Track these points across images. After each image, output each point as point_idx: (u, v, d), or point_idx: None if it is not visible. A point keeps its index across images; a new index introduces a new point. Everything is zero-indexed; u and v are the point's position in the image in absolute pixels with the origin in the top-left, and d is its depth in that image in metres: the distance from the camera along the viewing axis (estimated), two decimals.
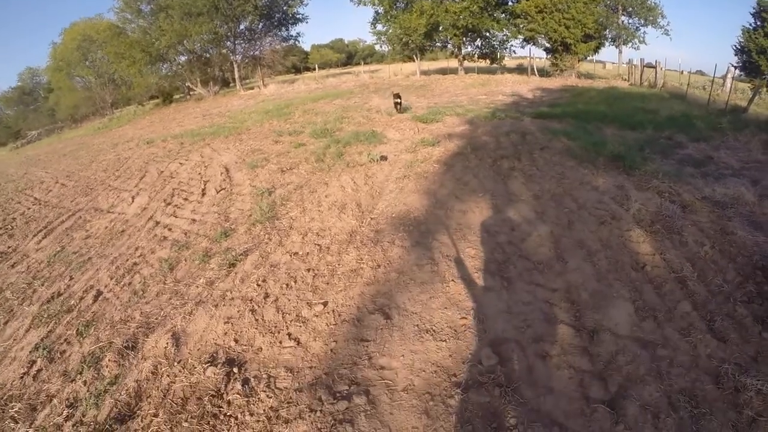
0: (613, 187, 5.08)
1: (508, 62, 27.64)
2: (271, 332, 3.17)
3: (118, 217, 6.40)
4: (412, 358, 2.76)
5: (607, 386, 2.46)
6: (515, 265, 3.67)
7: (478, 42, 24.59)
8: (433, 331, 2.99)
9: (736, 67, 15.37)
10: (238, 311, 3.45)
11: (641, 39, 24.74)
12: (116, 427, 2.52)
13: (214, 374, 2.79)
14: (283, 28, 27.96)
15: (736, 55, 14.96)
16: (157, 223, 5.84)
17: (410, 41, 23.43)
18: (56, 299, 4.30)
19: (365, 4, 24.25)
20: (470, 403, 2.40)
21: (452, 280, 3.52)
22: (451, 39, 23.74)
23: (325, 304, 3.40)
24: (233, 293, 3.72)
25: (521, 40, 23.10)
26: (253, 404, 2.56)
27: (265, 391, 2.63)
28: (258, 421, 2.44)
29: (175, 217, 5.94)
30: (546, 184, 5.28)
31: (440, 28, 23.05)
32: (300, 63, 52.70)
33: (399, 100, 10.86)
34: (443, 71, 25.93)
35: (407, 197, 5.19)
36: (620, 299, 3.15)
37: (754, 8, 14.08)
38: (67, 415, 2.70)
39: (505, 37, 23.55)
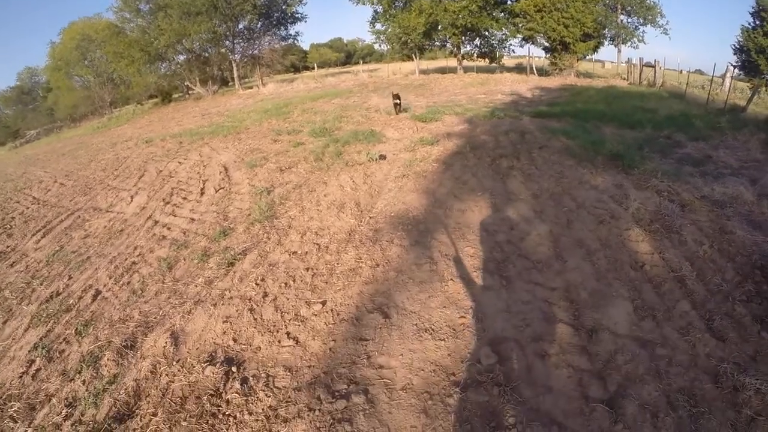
0: (612, 186, 5.09)
1: (507, 61, 27.62)
2: (270, 331, 3.17)
3: (117, 217, 6.39)
4: (411, 357, 2.76)
5: (606, 385, 2.46)
6: (514, 264, 3.68)
7: (477, 41, 24.58)
8: (432, 330, 2.99)
9: (735, 67, 15.39)
10: (237, 310, 3.44)
11: (640, 38, 24.72)
12: (115, 427, 2.52)
13: (213, 373, 2.79)
14: (282, 28, 27.93)
15: (735, 54, 15.00)
16: (156, 222, 5.84)
17: (409, 40, 23.40)
18: (55, 298, 4.29)
19: (364, 3, 24.20)
20: (469, 402, 2.40)
21: (451, 279, 3.52)
22: (450, 38, 23.71)
23: (323, 303, 3.39)
24: (232, 292, 3.72)
25: (520, 39, 23.12)
26: (252, 403, 2.55)
27: (263, 390, 2.63)
28: (257, 420, 2.44)
29: (174, 216, 5.93)
30: (545, 183, 5.29)
31: (439, 27, 23.03)
32: (299, 62, 52.64)
33: (398, 102, 10.47)
34: (442, 70, 25.90)
35: (406, 196, 5.18)
36: (619, 298, 3.15)
37: (753, 8, 14.12)
38: (66, 415, 2.69)
39: (504, 36, 23.55)
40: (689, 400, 2.33)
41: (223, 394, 2.64)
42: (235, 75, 27.49)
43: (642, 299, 3.14)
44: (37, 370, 3.22)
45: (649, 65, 18.99)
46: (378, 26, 24.99)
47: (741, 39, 14.37)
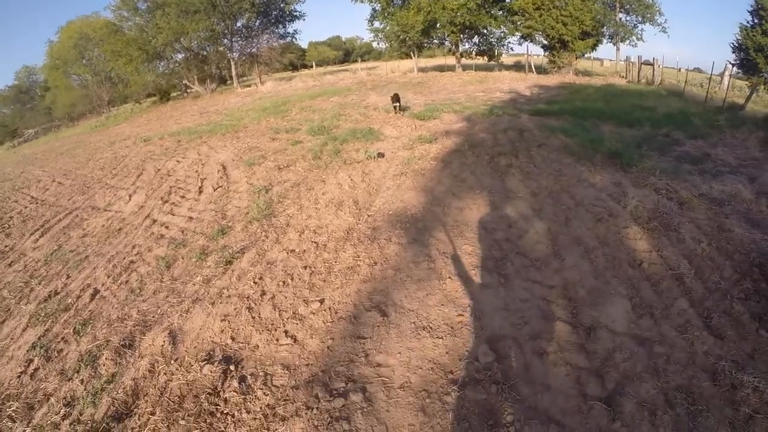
0: (610, 184, 5.09)
1: (506, 59, 27.60)
2: (268, 330, 3.17)
3: (115, 216, 6.37)
4: (409, 356, 2.76)
5: (604, 383, 2.46)
6: (512, 262, 3.67)
7: (476, 39, 24.57)
8: (430, 328, 2.99)
9: (733, 65, 15.39)
10: (235, 309, 3.44)
11: (639, 36, 24.66)
12: (113, 426, 2.52)
13: (211, 372, 2.79)
14: (280, 26, 27.86)
15: (733, 52, 15.03)
16: (154, 221, 5.82)
17: (407, 38, 23.39)
18: (53, 298, 4.28)
19: (362, 1, 24.20)
20: (467, 400, 2.40)
21: (449, 277, 3.52)
22: (448, 36, 23.70)
23: (321, 301, 3.39)
24: (230, 291, 3.71)
25: (519, 37, 23.14)
26: (250, 402, 2.55)
27: (261, 389, 2.63)
28: (255, 418, 2.43)
29: (172, 215, 5.92)
30: (543, 181, 5.28)
31: (437, 25, 23.01)
32: (297, 60, 52.56)
33: (398, 103, 10.12)
34: (441, 68, 25.86)
35: (404, 194, 5.18)
36: (617, 296, 3.15)
37: (752, 6, 14.13)
38: (65, 414, 2.69)
39: (502, 34, 23.56)
40: (687, 397, 2.33)
41: (221, 393, 2.64)
42: (234, 73, 27.42)
43: (640, 297, 3.14)
44: (36, 370, 3.21)
45: (647, 63, 18.99)
46: (376, 24, 25.03)
47: (740, 37, 14.39)
